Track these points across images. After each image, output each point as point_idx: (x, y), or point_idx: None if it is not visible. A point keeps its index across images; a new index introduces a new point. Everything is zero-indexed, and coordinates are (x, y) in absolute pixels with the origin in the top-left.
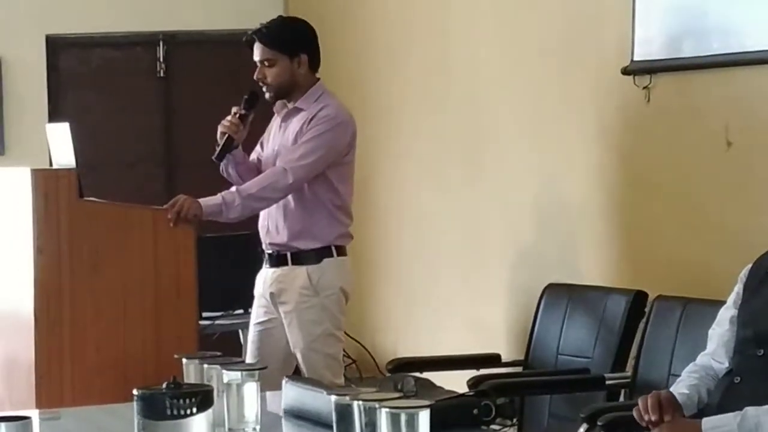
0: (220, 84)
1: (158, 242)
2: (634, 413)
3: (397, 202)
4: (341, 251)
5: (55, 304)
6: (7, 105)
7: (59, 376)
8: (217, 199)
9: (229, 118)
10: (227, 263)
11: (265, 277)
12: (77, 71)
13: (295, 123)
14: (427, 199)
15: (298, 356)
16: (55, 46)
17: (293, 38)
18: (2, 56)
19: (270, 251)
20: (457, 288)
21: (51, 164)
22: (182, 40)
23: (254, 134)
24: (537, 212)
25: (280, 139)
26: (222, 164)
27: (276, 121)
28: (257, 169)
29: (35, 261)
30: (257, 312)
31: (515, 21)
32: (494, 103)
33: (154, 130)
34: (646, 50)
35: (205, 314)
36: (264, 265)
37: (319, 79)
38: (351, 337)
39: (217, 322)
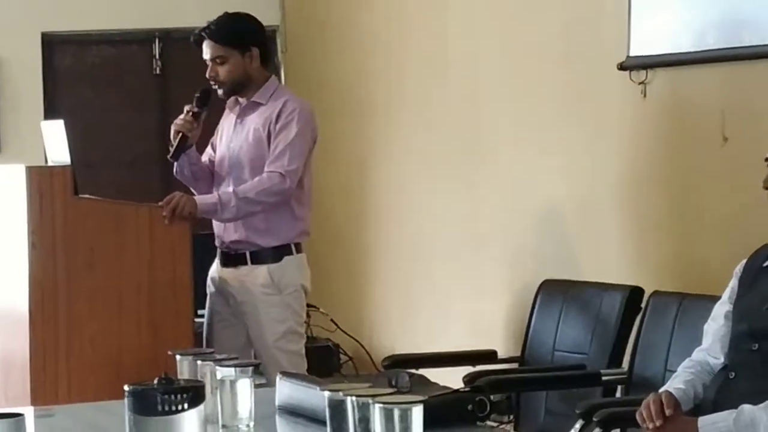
0: None
1: (154, 239)
2: (638, 417)
3: (395, 200)
4: (299, 248)
5: (50, 300)
6: (2, 103)
7: (54, 372)
8: (213, 197)
9: (182, 116)
10: None
11: (221, 277)
12: (73, 69)
13: (255, 118)
14: (425, 196)
15: (262, 354)
16: (51, 43)
17: (243, 33)
18: None
19: (226, 250)
20: (454, 285)
21: (46, 161)
22: (178, 37)
23: (203, 135)
24: (533, 208)
25: (239, 136)
26: (177, 164)
27: (229, 118)
28: (210, 170)
29: (30, 258)
30: (212, 310)
31: (512, 17)
32: (491, 99)
33: (150, 127)
34: (642, 45)
35: (200, 311)
36: (217, 264)
37: (271, 74)
38: (348, 335)
39: None
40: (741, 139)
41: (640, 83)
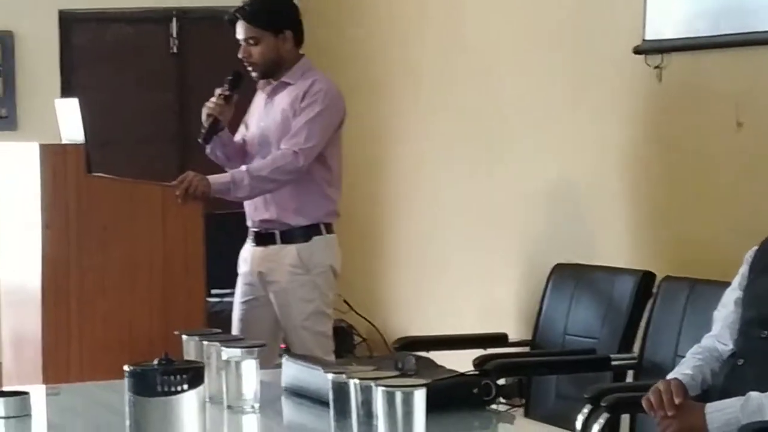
0: (233, 61)
1: (167, 219)
2: (644, 404)
3: (409, 183)
4: (329, 229)
5: (63, 279)
6: (19, 80)
7: (66, 351)
8: (226, 177)
9: (213, 99)
10: (236, 240)
11: (252, 256)
12: (90, 47)
13: (283, 97)
14: (438, 179)
15: (289, 334)
16: (68, 21)
17: (277, 15)
18: (15, 31)
19: (257, 229)
20: (467, 268)
21: (61, 140)
22: (195, 16)
23: (236, 115)
24: (547, 192)
25: (267, 116)
26: (209, 147)
27: (260, 97)
28: (243, 149)
29: (43, 236)
30: (243, 290)
31: (528, 1)
32: (506, 82)
33: (167, 106)
34: (658, 29)
35: (213, 291)
36: (249, 243)
37: (303, 54)
38: (362, 316)
39: (225, 299)
40: (755, 124)
41: (655, 67)
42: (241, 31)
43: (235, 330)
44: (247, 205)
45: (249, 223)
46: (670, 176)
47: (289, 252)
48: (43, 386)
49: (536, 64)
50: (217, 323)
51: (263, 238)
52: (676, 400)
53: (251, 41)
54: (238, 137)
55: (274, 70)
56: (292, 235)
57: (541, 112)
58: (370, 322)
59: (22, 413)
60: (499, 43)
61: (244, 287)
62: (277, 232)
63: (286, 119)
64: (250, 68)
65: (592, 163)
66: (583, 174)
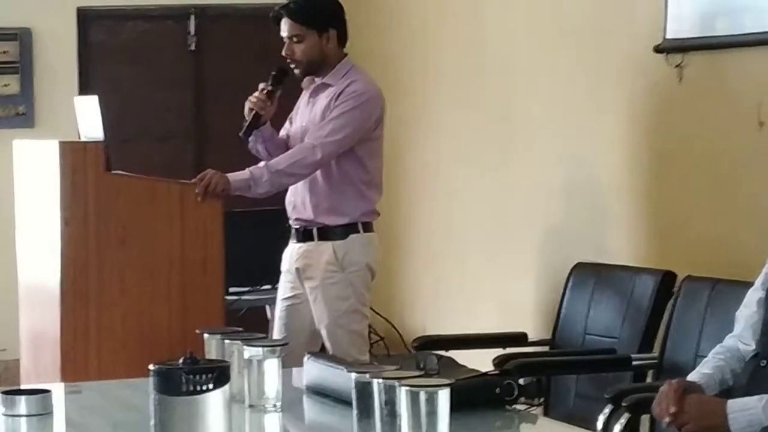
0: (251, 58)
1: (185, 217)
2: (653, 412)
3: (428, 181)
4: (368, 227)
5: (82, 277)
6: (37, 77)
7: (84, 349)
8: (245, 174)
9: (256, 94)
10: (255, 238)
11: (291, 253)
12: (108, 44)
13: (323, 98)
14: (458, 177)
15: (323, 332)
16: (86, 18)
17: (322, 13)
18: (33, 28)
19: (296, 226)
20: (485, 267)
21: (80, 137)
22: (214, 13)
23: (284, 110)
24: (566, 191)
25: (308, 115)
26: (250, 141)
27: (304, 96)
28: (286, 145)
29: (62, 234)
30: (284, 287)
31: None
32: (525, 80)
33: (185, 104)
34: (678, 28)
35: (232, 289)
36: (291, 240)
37: (347, 54)
38: (379, 315)
39: (243, 297)
40: None
41: (675, 66)
42: (285, 29)
43: (275, 327)
44: (287, 205)
45: (290, 221)
46: (691, 176)
47: (326, 249)
48: (62, 384)
49: (556, 62)
50: (235, 321)
51: (302, 235)
52: (674, 396)
53: (295, 39)
54: (282, 133)
55: (317, 69)
56: (329, 233)
57: (560, 110)
58: (387, 320)
59: (44, 411)
60: (518, 42)
61: (284, 284)
62: (314, 229)
63: (323, 119)
64: (293, 66)
65: (611, 162)
66: (602, 173)
